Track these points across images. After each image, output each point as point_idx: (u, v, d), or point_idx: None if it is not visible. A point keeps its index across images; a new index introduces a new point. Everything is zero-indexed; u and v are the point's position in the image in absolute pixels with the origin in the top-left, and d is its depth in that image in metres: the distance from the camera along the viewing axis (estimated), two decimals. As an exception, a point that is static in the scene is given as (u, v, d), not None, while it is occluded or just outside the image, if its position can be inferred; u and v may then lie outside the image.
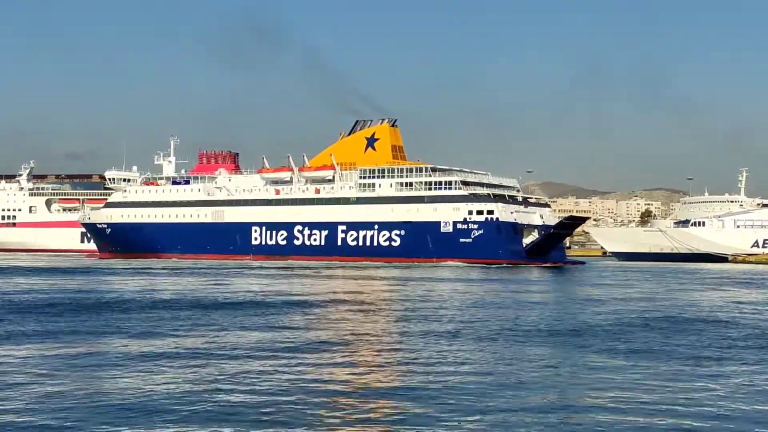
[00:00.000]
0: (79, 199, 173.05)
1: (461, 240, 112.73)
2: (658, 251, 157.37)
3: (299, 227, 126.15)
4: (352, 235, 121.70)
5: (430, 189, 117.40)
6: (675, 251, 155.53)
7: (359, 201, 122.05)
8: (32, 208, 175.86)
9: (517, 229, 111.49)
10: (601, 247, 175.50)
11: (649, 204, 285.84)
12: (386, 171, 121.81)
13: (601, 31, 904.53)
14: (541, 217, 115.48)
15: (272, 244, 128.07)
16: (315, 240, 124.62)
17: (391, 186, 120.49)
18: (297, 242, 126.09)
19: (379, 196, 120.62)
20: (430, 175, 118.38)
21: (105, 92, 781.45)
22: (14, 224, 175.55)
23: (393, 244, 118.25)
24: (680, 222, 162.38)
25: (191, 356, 23.64)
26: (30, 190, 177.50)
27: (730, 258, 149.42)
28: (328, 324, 32.80)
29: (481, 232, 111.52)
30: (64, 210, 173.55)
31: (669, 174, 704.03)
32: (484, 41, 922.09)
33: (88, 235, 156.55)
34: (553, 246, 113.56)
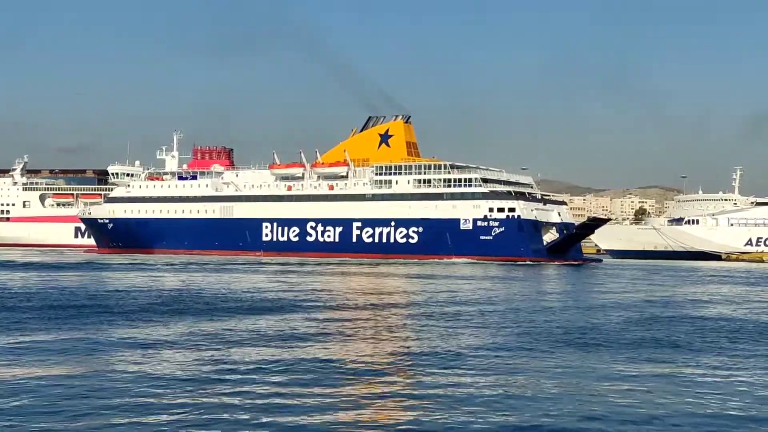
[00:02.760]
0: (73, 194, 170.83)
1: (481, 237, 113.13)
2: (652, 249, 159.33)
3: (312, 223, 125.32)
4: (367, 231, 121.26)
5: (448, 186, 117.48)
6: (669, 249, 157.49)
7: (375, 198, 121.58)
8: (26, 203, 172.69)
9: (538, 227, 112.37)
10: (596, 245, 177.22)
11: (643, 202, 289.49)
12: (403, 168, 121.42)
13: (578, 27, 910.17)
14: (559, 214, 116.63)
15: (284, 241, 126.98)
16: (329, 237, 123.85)
17: (408, 183, 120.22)
18: (310, 238, 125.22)
19: (396, 193, 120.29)
20: (449, 172, 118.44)
21: (96, 87, 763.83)
22: (8, 219, 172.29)
23: (410, 241, 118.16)
24: (674, 220, 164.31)
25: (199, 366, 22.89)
26: (24, 184, 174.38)
27: (723, 256, 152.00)
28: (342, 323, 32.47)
29: (502, 229, 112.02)
30: (58, 205, 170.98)
31: (663, 172, 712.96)
32: (467, 39, 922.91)
33: (83, 230, 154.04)
34: (572, 244, 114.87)
